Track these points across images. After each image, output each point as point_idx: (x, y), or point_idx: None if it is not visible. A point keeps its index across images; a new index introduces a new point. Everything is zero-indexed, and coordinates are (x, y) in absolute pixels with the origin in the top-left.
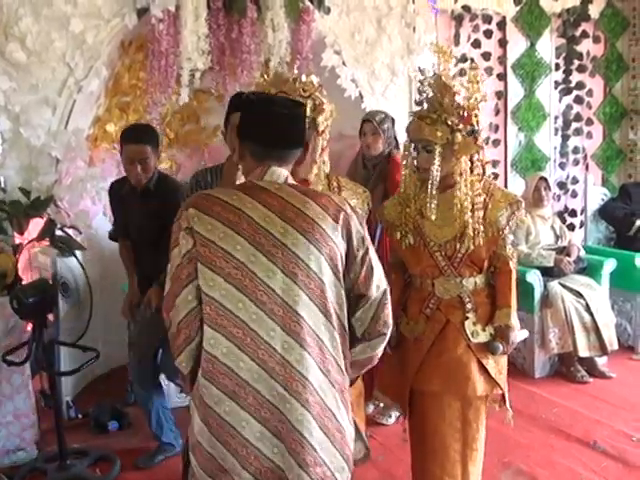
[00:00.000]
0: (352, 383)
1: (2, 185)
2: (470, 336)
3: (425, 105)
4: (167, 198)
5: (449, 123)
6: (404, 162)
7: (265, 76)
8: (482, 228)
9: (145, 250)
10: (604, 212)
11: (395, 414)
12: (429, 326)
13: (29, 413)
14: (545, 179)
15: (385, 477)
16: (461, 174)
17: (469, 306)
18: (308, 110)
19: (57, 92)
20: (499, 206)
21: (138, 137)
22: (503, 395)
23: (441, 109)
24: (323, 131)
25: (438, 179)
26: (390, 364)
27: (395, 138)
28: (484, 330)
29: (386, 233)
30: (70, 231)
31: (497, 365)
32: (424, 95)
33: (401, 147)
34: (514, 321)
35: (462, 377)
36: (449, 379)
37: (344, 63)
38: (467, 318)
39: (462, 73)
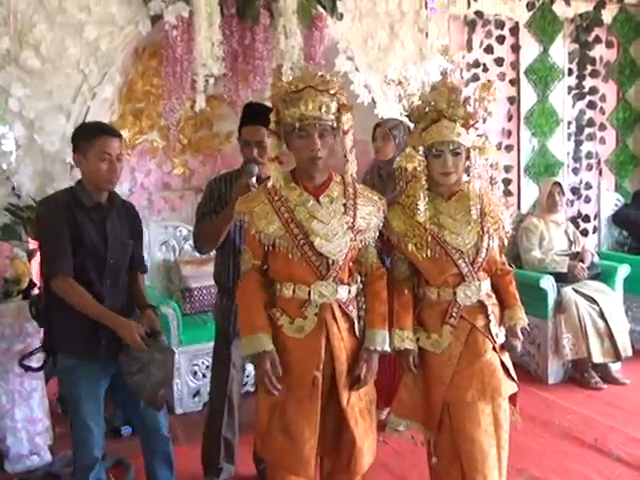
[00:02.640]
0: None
1: (16, 191)
2: (495, 338)
3: (425, 108)
4: None
5: (461, 123)
6: (416, 167)
7: (283, 78)
8: (495, 232)
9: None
10: (618, 218)
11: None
12: (455, 336)
13: (43, 418)
14: (559, 184)
15: None
16: (480, 177)
17: (490, 308)
18: (334, 109)
19: (71, 98)
20: (500, 208)
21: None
22: (515, 394)
23: (451, 108)
24: (348, 130)
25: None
26: (407, 386)
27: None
28: (501, 331)
29: (393, 246)
30: None
31: (510, 363)
32: (421, 100)
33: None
34: (525, 318)
35: (497, 380)
36: (484, 384)
37: (357, 69)
38: (490, 321)
39: (475, 78)
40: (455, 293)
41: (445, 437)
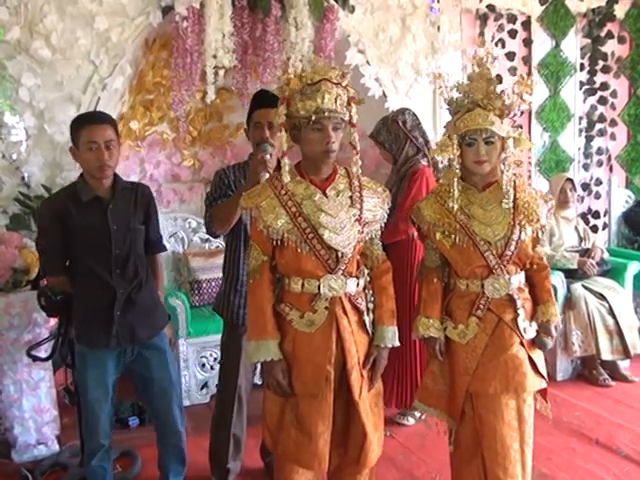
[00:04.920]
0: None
1: (26, 181)
2: (523, 333)
3: (464, 100)
4: None
5: (497, 114)
6: (449, 156)
7: (299, 69)
8: (527, 224)
9: None
10: (628, 217)
11: (416, 415)
12: (481, 327)
13: (50, 408)
14: (571, 180)
15: (406, 477)
16: (518, 167)
17: (519, 303)
18: (346, 101)
19: (81, 89)
20: (537, 202)
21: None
22: (545, 390)
23: (487, 99)
24: (356, 123)
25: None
26: (433, 375)
27: (412, 144)
28: (531, 326)
29: (424, 235)
30: None
31: (540, 359)
32: (459, 92)
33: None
34: (558, 315)
35: (521, 375)
36: (508, 378)
37: (368, 62)
38: (519, 315)
39: None
40: (483, 285)
41: (467, 428)
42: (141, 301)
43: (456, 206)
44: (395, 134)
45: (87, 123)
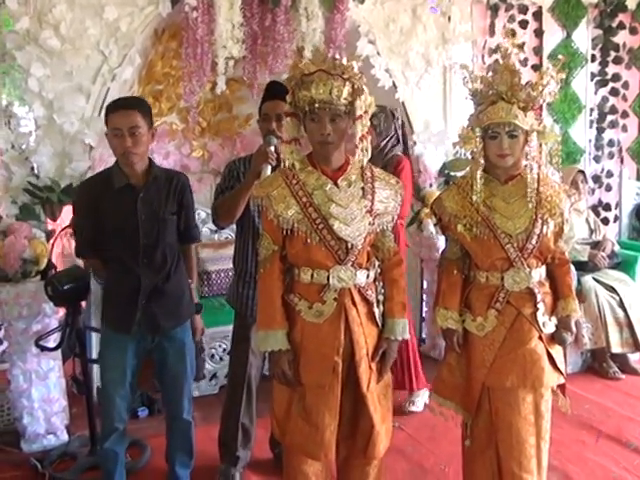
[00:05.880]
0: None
1: (35, 171)
2: (542, 327)
3: (490, 90)
4: None
5: (521, 107)
6: (472, 148)
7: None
8: (550, 218)
9: None
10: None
11: (424, 401)
12: (500, 320)
13: (60, 398)
14: (583, 172)
15: (414, 469)
16: (538, 163)
17: (539, 297)
18: (346, 93)
19: (91, 80)
20: (560, 196)
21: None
22: (564, 385)
23: (511, 91)
24: (361, 116)
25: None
26: (449, 366)
27: (397, 136)
28: (550, 320)
29: (445, 227)
30: None
31: (559, 355)
32: (481, 84)
33: (410, 146)
34: (578, 310)
35: (539, 369)
36: (525, 372)
37: (378, 53)
38: (538, 309)
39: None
40: (503, 278)
41: (482, 421)
42: (168, 291)
43: (479, 200)
44: (388, 125)
45: (113, 109)
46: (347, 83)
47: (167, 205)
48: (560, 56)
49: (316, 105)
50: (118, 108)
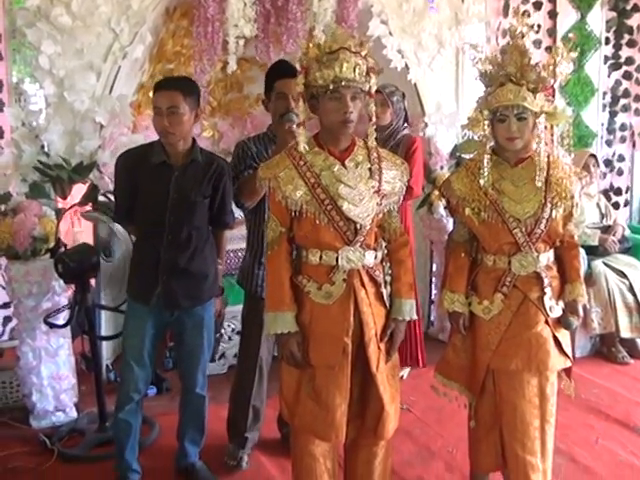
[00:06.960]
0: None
1: (45, 149)
2: (549, 311)
3: (500, 72)
4: None
5: (531, 88)
6: (480, 132)
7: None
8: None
9: None
10: None
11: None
12: (506, 304)
13: (69, 375)
14: (595, 156)
15: (422, 451)
16: (548, 145)
17: (546, 281)
18: (365, 71)
19: (102, 57)
20: (571, 179)
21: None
22: (570, 368)
23: (521, 72)
24: (373, 95)
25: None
26: (454, 348)
27: (406, 114)
28: (557, 305)
29: (453, 209)
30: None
31: (565, 338)
32: (490, 65)
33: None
34: (585, 294)
35: (544, 353)
36: (530, 356)
37: (390, 33)
38: (545, 293)
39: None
40: (510, 262)
41: (486, 403)
42: (191, 271)
43: (487, 184)
44: (401, 104)
45: (156, 88)
46: (366, 61)
47: (200, 188)
48: (570, 34)
49: (342, 83)
50: (161, 88)
